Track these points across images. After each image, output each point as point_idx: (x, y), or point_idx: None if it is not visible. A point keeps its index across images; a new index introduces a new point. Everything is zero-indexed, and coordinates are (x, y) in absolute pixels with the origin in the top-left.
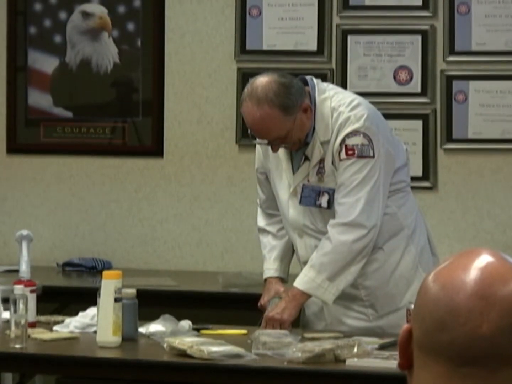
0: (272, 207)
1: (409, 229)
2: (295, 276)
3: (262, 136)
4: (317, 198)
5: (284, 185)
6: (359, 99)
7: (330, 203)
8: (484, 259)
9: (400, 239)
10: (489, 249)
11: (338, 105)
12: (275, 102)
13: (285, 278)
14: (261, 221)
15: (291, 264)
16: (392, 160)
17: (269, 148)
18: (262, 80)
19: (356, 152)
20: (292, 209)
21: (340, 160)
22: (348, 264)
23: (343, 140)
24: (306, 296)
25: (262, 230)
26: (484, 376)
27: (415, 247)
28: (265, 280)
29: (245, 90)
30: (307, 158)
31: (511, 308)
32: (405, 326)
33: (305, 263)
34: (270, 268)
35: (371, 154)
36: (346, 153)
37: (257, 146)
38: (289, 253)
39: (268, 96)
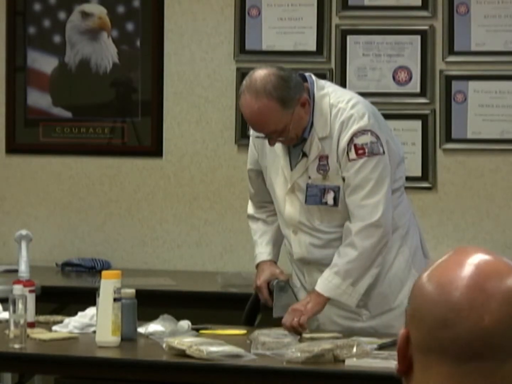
0: (262, 201)
1: (403, 229)
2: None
3: (259, 129)
4: (323, 196)
5: (281, 182)
6: (357, 97)
7: (336, 200)
8: (476, 256)
9: (394, 239)
10: (478, 247)
11: (337, 102)
12: (274, 94)
13: (277, 262)
14: (251, 209)
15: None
16: (394, 154)
17: (266, 144)
18: (260, 73)
19: (366, 151)
20: (288, 206)
21: (350, 160)
22: (370, 267)
23: (351, 139)
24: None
25: (252, 217)
26: (489, 370)
27: (408, 248)
28: (258, 264)
29: (244, 82)
30: (304, 155)
31: (511, 298)
32: (402, 331)
33: (298, 260)
34: (263, 252)
35: (381, 151)
36: (357, 153)
37: (251, 144)
38: (280, 238)
39: (266, 89)
